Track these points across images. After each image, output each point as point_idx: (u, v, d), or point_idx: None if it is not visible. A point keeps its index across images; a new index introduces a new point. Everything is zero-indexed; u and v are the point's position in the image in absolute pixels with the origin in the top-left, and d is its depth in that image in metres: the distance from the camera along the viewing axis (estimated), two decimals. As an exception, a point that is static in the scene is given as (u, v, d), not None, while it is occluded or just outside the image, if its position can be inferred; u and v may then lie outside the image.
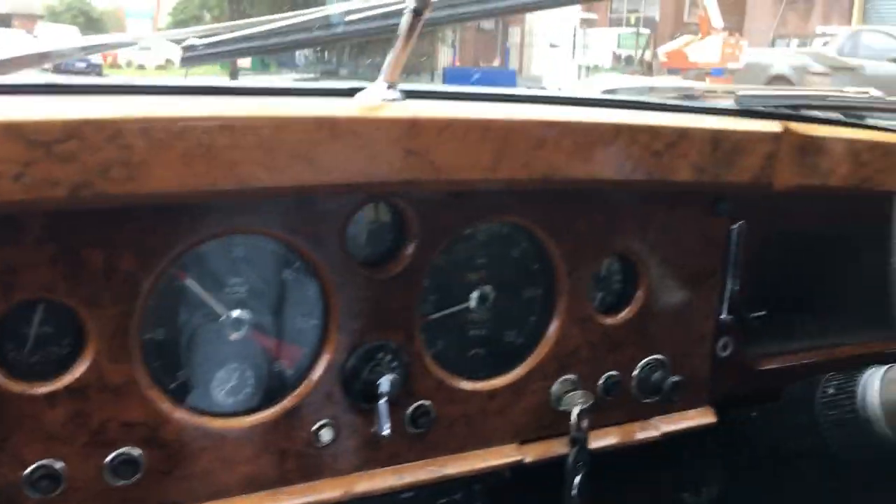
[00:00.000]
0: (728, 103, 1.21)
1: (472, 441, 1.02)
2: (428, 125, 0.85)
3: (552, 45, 24.19)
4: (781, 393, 1.21)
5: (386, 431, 0.90)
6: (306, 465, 0.92)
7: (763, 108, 1.18)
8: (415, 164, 0.85)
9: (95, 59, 16.29)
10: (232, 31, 1.01)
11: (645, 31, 24.58)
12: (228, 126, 0.75)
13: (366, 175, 0.83)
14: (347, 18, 0.94)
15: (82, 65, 16.17)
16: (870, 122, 1.25)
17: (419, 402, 0.97)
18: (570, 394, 1.06)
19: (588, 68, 23.26)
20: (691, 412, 1.17)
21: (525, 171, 0.91)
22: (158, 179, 0.73)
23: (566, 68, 22.74)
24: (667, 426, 1.15)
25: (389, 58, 0.87)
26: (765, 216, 1.18)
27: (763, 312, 1.21)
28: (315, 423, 0.92)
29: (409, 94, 0.90)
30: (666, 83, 1.58)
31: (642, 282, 1.10)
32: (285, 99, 0.84)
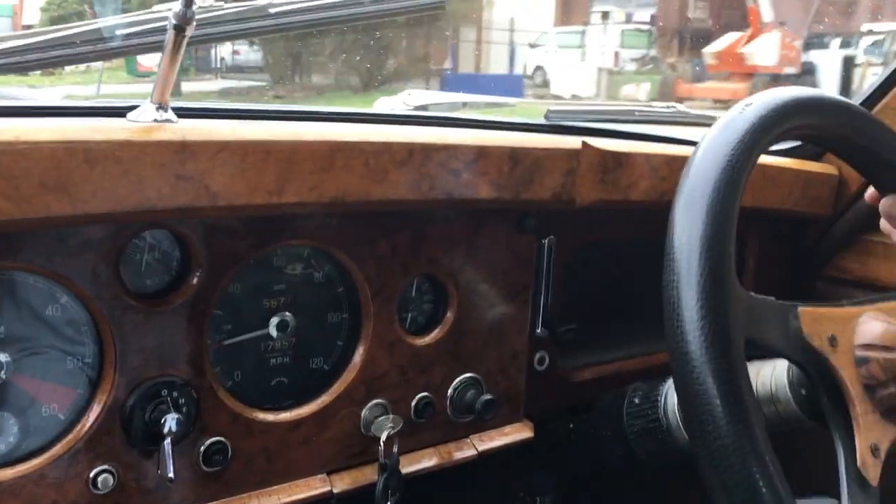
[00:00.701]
0: (537, 119, 1.21)
1: (275, 475, 0.97)
2: (200, 148, 0.80)
3: (532, 46, 19.70)
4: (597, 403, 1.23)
5: (170, 474, 0.84)
6: None
7: (569, 124, 1.19)
8: (188, 190, 0.80)
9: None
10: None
11: (651, 27, 20.38)
12: None
13: (132, 204, 0.77)
14: (119, 33, 0.87)
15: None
16: (674, 136, 1.29)
17: (213, 439, 0.92)
18: (379, 418, 1.04)
19: (610, 73, 17.37)
20: (508, 428, 1.17)
21: (314, 194, 0.88)
22: None
23: (578, 74, 17.05)
24: (484, 444, 1.14)
25: (157, 76, 0.81)
26: (575, 230, 1.19)
27: (573, 326, 1.22)
28: (91, 470, 0.85)
29: (185, 114, 0.84)
30: (479, 98, 1.59)
31: (452, 301, 1.09)
32: (38, 121, 0.77)
